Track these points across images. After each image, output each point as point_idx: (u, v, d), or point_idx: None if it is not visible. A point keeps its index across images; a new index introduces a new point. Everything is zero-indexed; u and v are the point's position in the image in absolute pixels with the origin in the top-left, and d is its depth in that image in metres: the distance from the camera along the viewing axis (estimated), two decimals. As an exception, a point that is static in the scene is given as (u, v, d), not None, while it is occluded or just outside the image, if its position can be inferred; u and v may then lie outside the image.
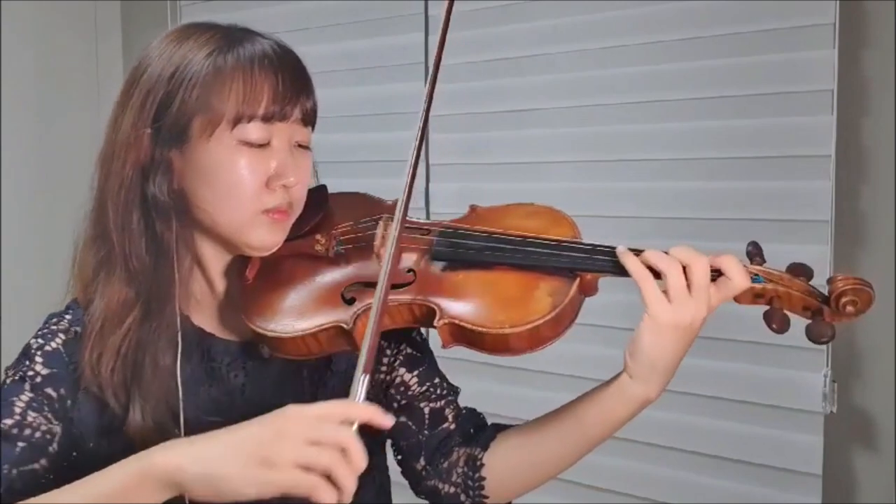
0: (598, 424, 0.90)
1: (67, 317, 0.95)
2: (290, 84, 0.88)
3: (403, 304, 0.89)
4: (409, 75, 2.10)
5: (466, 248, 0.91)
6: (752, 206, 1.70)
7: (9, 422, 0.87)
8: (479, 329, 0.85)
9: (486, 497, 0.98)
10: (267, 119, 0.87)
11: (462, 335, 0.87)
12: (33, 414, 0.89)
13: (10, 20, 2.44)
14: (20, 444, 0.87)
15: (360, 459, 0.70)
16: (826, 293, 0.85)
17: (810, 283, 0.87)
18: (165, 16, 2.59)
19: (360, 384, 0.74)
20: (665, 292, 0.83)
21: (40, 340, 0.93)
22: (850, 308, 0.83)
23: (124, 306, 0.89)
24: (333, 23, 2.21)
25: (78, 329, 0.92)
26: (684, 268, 0.83)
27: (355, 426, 0.71)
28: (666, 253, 0.85)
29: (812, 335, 0.85)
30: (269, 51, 0.89)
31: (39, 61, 2.54)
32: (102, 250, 0.91)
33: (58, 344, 0.92)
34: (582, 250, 0.88)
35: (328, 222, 0.96)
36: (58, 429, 0.90)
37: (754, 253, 0.88)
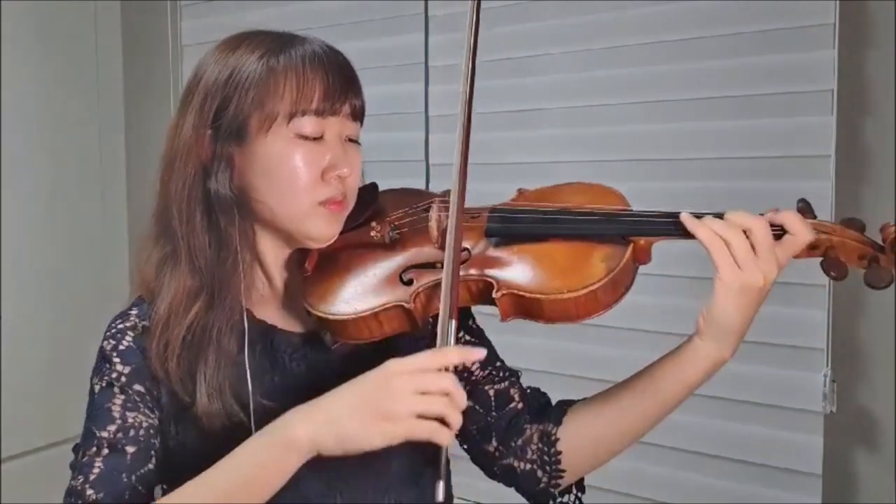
0: (674, 389, 0.93)
1: (133, 313, 0.98)
2: (339, 81, 0.93)
3: (461, 281, 0.91)
4: (409, 75, 2.10)
5: (517, 222, 0.95)
6: (752, 205, 1.68)
7: (112, 428, 0.91)
8: (538, 296, 0.88)
9: (564, 471, 1.00)
10: (319, 113, 0.92)
11: (521, 305, 0.90)
12: (131, 414, 0.92)
13: (11, 20, 2.44)
14: (129, 448, 0.91)
15: (463, 399, 0.78)
16: (881, 241, 0.88)
17: (864, 233, 0.89)
18: (165, 16, 2.59)
19: (450, 332, 0.81)
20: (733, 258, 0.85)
21: (112, 342, 0.96)
22: None
23: (189, 297, 0.93)
24: (333, 23, 2.21)
25: (146, 323, 0.96)
26: (745, 232, 0.86)
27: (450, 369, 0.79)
28: (721, 218, 0.88)
29: (871, 281, 0.87)
30: (319, 51, 0.95)
31: (39, 61, 2.54)
32: (167, 246, 0.96)
33: (129, 341, 0.95)
34: (632, 215, 0.92)
35: (381, 216, 1.01)
36: (155, 421, 0.94)
37: (805, 209, 0.91)
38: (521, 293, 0.89)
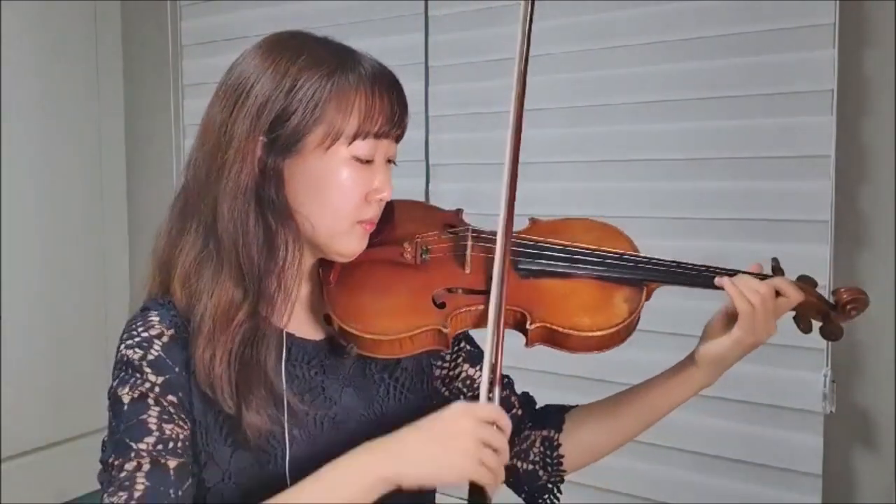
0: (664, 406, 1.05)
1: (154, 319, 0.93)
2: (399, 104, 0.94)
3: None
4: (409, 75, 2.08)
5: (550, 259, 0.99)
6: (752, 206, 1.70)
7: (150, 440, 0.88)
8: (569, 332, 0.95)
9: (565, 471, 1.08)
10: (378, 136, 0.92)
11: (550, 337, 0.96)
12: (168, 426, 0.89)
13: (11, 20, 2.45)
14: (171, 462, 0.88)
15: (507, 458, 0.86)
16: (833, 301, 1.00)
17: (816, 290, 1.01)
18: (165, 16, 2.60)
19: (496, 397, 0.87)
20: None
21: (139, 350, 0.91)
22: (853, 312, 1.00)
23: (233, 305, 0.91)
24: (333, 23, 2.21)
25: (172, 332, 0.92)
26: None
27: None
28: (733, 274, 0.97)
29: (825, 334, 1.02)
30: (381, 71, 0.94)
31: (40, 60, 2.55)
32: (208, 245, 0.93)
33: (158, 350, 0.92)
34: (660, 265, 0.99)
35: (394, 230, 1.02)
36: (188, 432, 0.92)
37: (778, 268, 1.00)
38: (555, 327, 0.94)
